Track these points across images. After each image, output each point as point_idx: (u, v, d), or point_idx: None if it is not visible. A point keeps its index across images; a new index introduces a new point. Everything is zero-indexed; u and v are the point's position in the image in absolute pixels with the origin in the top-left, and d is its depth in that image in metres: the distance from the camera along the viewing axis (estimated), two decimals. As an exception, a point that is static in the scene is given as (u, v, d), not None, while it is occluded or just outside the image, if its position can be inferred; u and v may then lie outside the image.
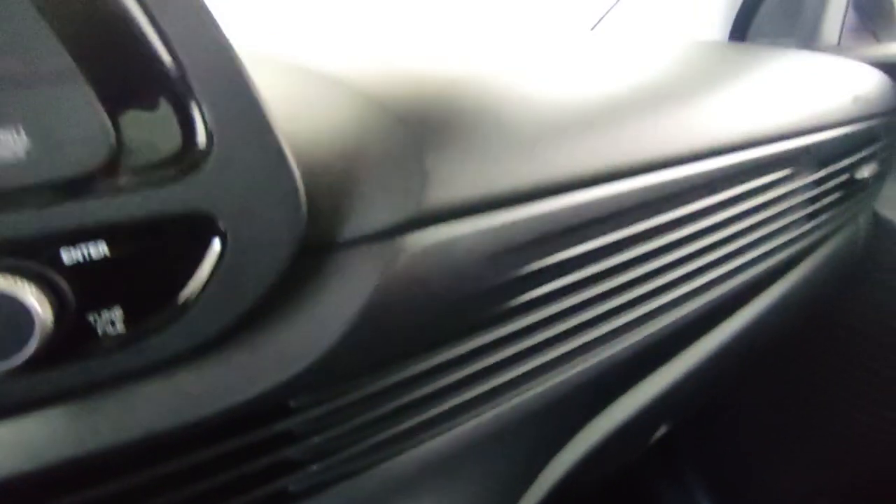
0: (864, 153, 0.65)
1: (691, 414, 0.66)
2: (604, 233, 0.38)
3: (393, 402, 0.33)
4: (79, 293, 0.23)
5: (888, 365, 0.80)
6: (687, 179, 0.43)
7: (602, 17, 1.00)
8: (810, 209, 0.59)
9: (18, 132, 0.22)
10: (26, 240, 0.23)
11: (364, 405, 0.32)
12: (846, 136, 0.60)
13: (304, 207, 0.27)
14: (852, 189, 0.66)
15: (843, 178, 0.63)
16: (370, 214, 0.30)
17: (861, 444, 0.91)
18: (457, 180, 0.33)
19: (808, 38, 0.89)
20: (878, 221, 0.76)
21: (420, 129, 0.33)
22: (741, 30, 0.94)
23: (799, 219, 0.58)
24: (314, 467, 0.32)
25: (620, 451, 0.52)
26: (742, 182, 0.49)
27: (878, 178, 0.71)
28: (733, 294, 0.52)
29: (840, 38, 0.90)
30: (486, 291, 0.34)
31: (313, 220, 0.28)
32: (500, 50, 0.56)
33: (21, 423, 0.25)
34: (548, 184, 0.35)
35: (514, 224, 0.34)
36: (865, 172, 0.65)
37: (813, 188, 0.59)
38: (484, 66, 0.45)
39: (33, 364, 0.22)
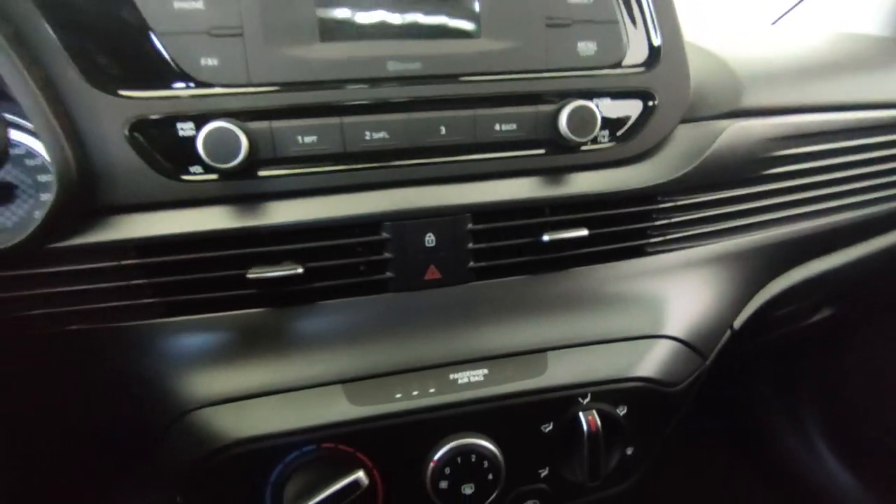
0: None
1: (842, 303, 0.88)
2: (826, 142, 0.64)
3: (699, 214, 0.60)
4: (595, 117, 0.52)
5: None
6: (878, 119, 0.68)
7: (782, 16, 1.22)
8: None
9: (596, 42, 0.51)
10: (592, 89, 0.52)
11: (688, 210, 0.60)
12: None
13: (689, 97, 0.55)
14: None
15: None
16: (712, 108, 0.59)
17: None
18: (753, 97, 0.60)
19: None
20: None
21: (738, 69, 0.61)
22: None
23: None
24: (657, 238, 0.59)
25: (798, 306, 0.77)
26: None
27: None
28: (890, 213, 0.75)
29: None
30: (760, 159, 0.61)
31: (689, 106, 0.56)
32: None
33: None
34: (801, 106, 0.62)
35: (779, 124, 0.61)
36: None
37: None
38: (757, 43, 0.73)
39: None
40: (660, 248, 0.60)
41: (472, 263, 0.53)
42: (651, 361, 0.55)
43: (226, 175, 0.47)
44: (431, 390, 0.49)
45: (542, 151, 0.53)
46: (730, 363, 0.68)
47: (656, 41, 0.54)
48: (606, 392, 0.52)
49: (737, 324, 0.64)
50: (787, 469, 1.36)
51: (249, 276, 0.47)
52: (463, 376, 0.51)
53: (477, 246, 0.53)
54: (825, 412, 1.33)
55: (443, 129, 0.50)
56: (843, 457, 1.30)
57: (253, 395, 0.47)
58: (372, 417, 0.47)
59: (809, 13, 1.21)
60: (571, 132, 0.51)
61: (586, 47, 0.52)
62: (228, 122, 0.45)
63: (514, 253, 0.54)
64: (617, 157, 0.56)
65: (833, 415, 1.32)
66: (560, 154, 0.53)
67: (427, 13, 0.50)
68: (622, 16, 0.53)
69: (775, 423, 1.40)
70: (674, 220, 0.60)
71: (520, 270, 0.55)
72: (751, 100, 0.61)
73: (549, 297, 0.56)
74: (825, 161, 0.66)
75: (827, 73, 0.69)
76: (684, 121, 0.58)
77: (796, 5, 1.20)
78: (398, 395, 0.49)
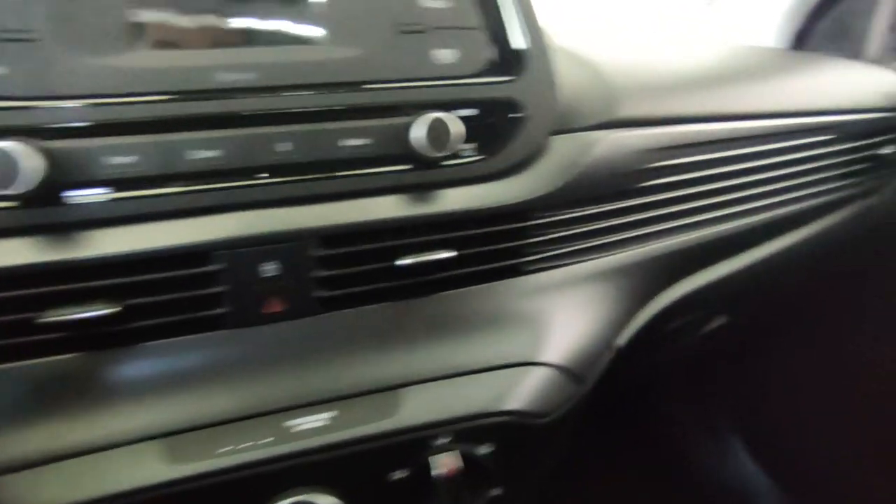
0: (888, 136, 0.87)
1: (736, 311, 0.88)
2: (706, 152, 0.63)
3: (576, 229, 0.58)
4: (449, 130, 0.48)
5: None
6: (761, 129, 0.68)
7: None
8: (844, 170, 0.82)
9: (455, 50, 0.48)
10: (449, 100, 0.48)
11: (566, 225, 0.57)
12: (875, 119, 0.83)
13: (557, 107, 0.52)
14: (877, 163, 0.88)
15: (870, 152, 0.85)
16: (585, 118, 0.56)
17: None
18: (629, 107, 0.58)
19: (854, 54, 1.11)
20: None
21: (614, 78, 0.58)
22: (799, 43, 1.17)
23: (835, 175, 0.81)
24: (534, 256, 0.56)
25: (689, 319, 0.76)
26: (799, 137, 0.72)
27: (900, 160, 0.93)
28: (776, 220, 0.75)
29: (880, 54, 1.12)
30: (637, 171, 0.59)
31: (559, 117, 0.53)
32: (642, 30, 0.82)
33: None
34: (679, 116, 0.60)
35: (656, 135, 0.59)
36: (889, 150, 0.87)
37: (847, 154, 0.81)
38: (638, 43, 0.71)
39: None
40: (537, 267, 0.57)
41: (318, 293, 0.48)
42: (520, 392, 0.51)
43: (25, 202, 0.41)
44: (267, 440, 0.44)
45: (398, 168, 0.49)
46: (628, 384, 0.66)
47: (519, 49, 0.51)
48: (467, 430, 0.48)
49: (621, 342, 0.62)
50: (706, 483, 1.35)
51: (46, 319, 0.40)
52: (302, 423, 0.45)
53: (324, 274, 0.48)
54: (741, 421, 1.34)
55: (281, 146, 0.45)
56: (764, 465, 1.30)
57: (51, 459, 0.41)
58: (194, 477, 0.42)
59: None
60: (426, 146, 0.47)
61: (443, 55, 0.48)
62: (16, 140, 0.38)
63: (368, 280, 0.50)
64: (484, 171, 0.52)
65: (749, 422, 1.33)
66: (419, 170, 0.49)
67: (263, 18, 0.45)
68: (482, 22, 0.50)
69: (692, 438, 1.39)
70: (551, 236, 0.57)
71: (377, 298, 0.51)
72: (627, 110, 0.59)
73: (411, 325, 0.51)
74: (705, 171, 0.64)
75: (708, 84, 0.69)
76: (557, 132, 0.55)
77: None
78: (225, 449, 0.43)
